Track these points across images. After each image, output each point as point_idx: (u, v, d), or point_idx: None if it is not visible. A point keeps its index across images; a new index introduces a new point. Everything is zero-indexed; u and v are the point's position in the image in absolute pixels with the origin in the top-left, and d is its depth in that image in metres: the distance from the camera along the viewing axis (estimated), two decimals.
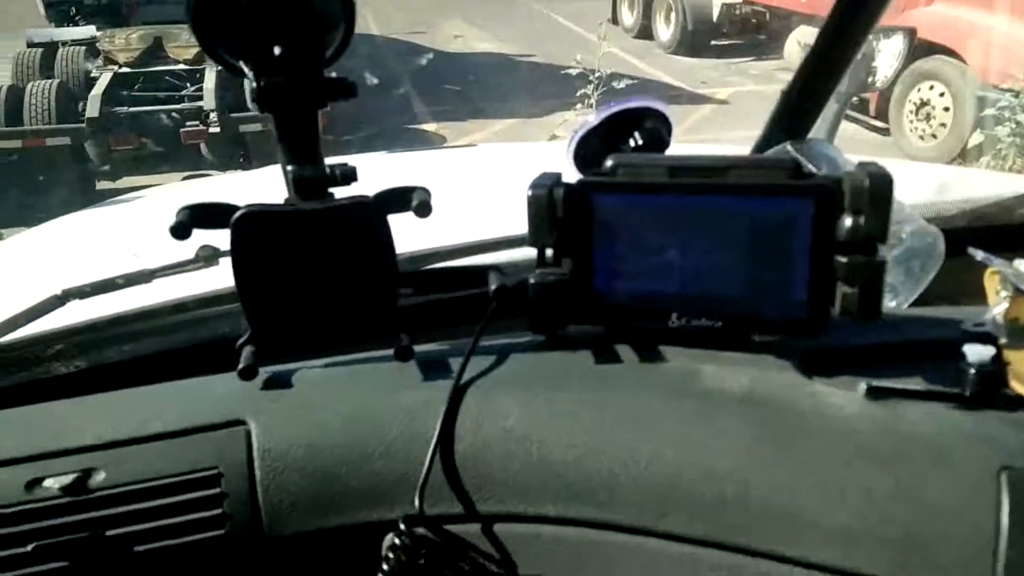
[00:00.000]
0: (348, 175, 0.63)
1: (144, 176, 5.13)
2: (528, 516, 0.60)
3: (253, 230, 0.62)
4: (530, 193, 0.64)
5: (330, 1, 0.61)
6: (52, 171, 4.87)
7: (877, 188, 0.58)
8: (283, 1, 0.59)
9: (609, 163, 0.66)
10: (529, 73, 7.83)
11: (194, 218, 0.61)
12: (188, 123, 5.06)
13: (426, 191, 0.65)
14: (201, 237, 0.66)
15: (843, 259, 0.60)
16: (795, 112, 0.90)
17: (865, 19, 0.84)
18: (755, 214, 0.63)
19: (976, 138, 5.11)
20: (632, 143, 0.74)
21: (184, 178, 4.81)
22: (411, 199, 0.64)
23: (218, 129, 5.02)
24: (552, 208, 0.64)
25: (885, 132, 5.71)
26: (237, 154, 5.20)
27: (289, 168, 0.64)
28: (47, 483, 0.58)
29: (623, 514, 0.58)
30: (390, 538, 0.60)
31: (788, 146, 0.90)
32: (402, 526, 0.59)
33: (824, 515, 0.54)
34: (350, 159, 0.66)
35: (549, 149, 2.58)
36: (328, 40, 0.63)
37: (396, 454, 0.61)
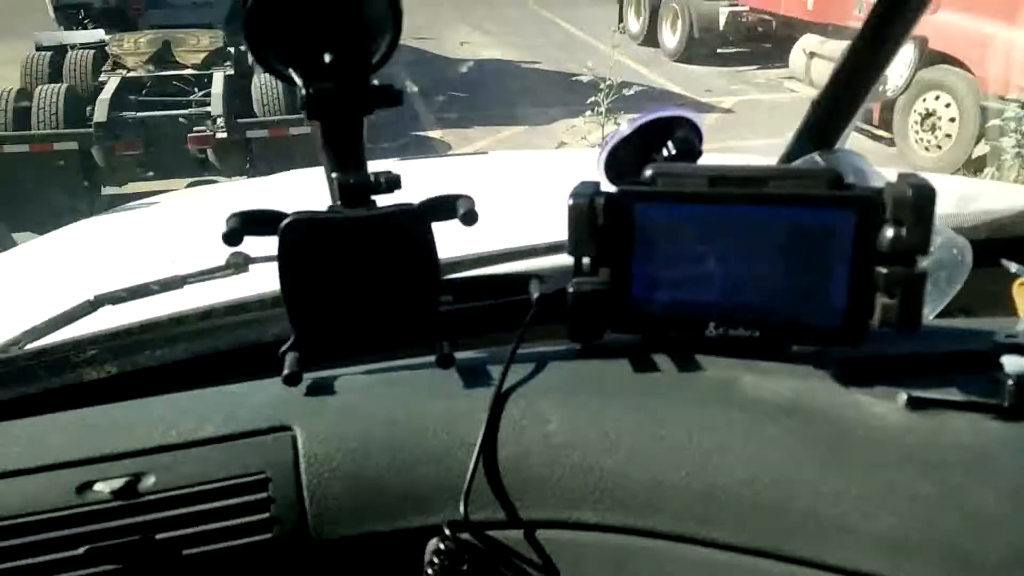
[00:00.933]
0: (393, 182, 0.64)
1: (151, 182, 5.14)
2: (570, 523, 0.61)
3: (300, 236, 0.63)
4: (571, 202, 0.65)
5: (378, 8, 0.61)
6: (59, 176, 4.87)
7: (920, 199, 0.58)
8: (335, 8, 0.59)
9: (648, 172, 0.67)
10: (535, 80, 7.86)
11: (244, 224, 0.62)
12: (195, 128, 5.07)
13: (470, 199, 0.65)
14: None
15: (883, 270, 0.61)
16: (824, 122, 0.91)
17: (900, 28, 0.84)
18: (796, 224, 0.63)
19: (980, 149, 5.13)
20: (665, 152, 0.75)
21: (189, 184, 4.82)
22: (457, 207, 0.65)
23: (225, 135, 5.02)
24: (592, 217, 0.65)
25: (888, 142, 5.72)
26: (244, 160, 5.22)
27: (335, 175, 0.64)
28: (98, 487, 0.59)
29: (665, 522, 0.59)
30: (434, 543, 0.60)
31: (816, 156, 0.90)
32: (446, 531, 0.59)
33: (868, 524, 0.54)
34: None
35: (560, 157, 2.59)
36: (375, 47, 0.64)
37: (439, 460, 0.62)
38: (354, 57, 0.62)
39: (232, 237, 0.62)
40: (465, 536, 0.60)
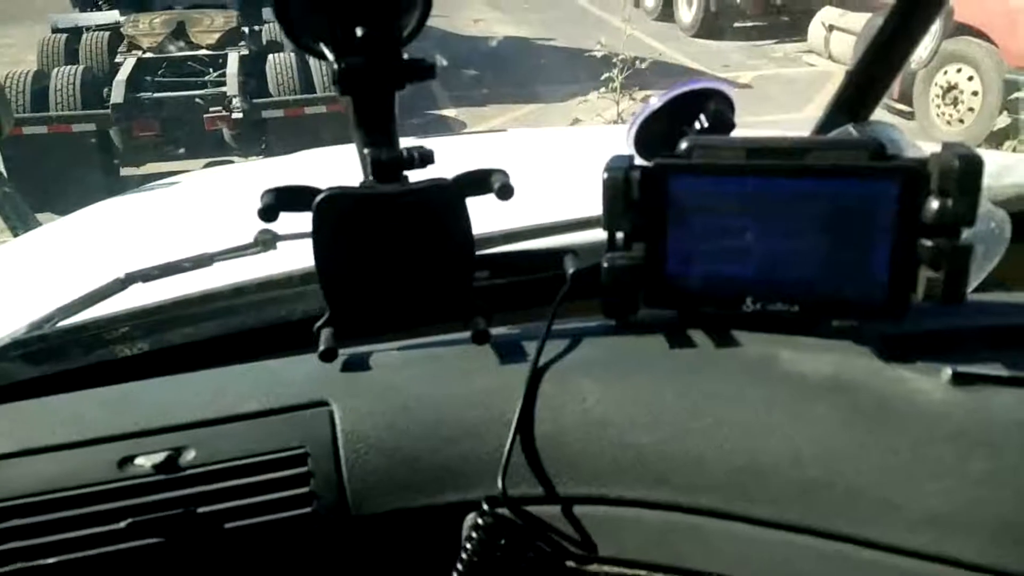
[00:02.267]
0: (426, 157, 0.64)
1: (167, 162, 5.16)
2: (608, 499, 0.60)
3: (335, 212, 0.62)
4: (605, 176, 0.64)
5: None
6: (77, 157, 4.90)
7: (967, 170, 0.57)
8: None
9: (684, 145, 0.66)
10: (550, 57, 7.79)
11: (280, 200, 0.62)
12: (211, 109, 5.08)
13: (505, 173, 0.65)
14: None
15: (927, 242, 0.59)
16: (858, 94, 0.89)
17: None
18: (837, 196, 0.62)
19: (1002, 122, 5.04)
20: (697, 126, 0.74)
21: (206, 165, 4.83)
22: (492, 182, 0.64)
23: (240, 115, 5.03)
24: (627, 191, 0.64)
25: (908, 116, 5.64)
26: (260, 140, 5.22)
27: (367, 151, 0.64)
28: (139, 461, 0.59)
29: (706, 498, 0.58)
30: (472, 518, 0.60)
31: (851, 128, 0.89)
32: (484, 506, 0.59)
33: (913, 500, 0.53)
34: None
35: (580, 133, 2.57)
36: (405, 21, 0.63)
37: (476, 436, 0.62)
38: (385, 31, 0.61)
39: (268, 213, 0.62)
40: (503, 511, 0.60)
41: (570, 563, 0.61)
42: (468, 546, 0.59)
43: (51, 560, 0.56)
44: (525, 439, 0.61)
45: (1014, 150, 4.68)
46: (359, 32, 0.60)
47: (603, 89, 5.26)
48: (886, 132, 0.89)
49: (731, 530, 0.58)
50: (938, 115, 5.49)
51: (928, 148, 0.68)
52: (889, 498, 0.54)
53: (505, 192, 0.64)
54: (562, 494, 0.61)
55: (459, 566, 0.59)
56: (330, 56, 0.61)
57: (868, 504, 0.54)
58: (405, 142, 0.66)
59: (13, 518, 0.57)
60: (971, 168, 0.57)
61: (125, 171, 5.32)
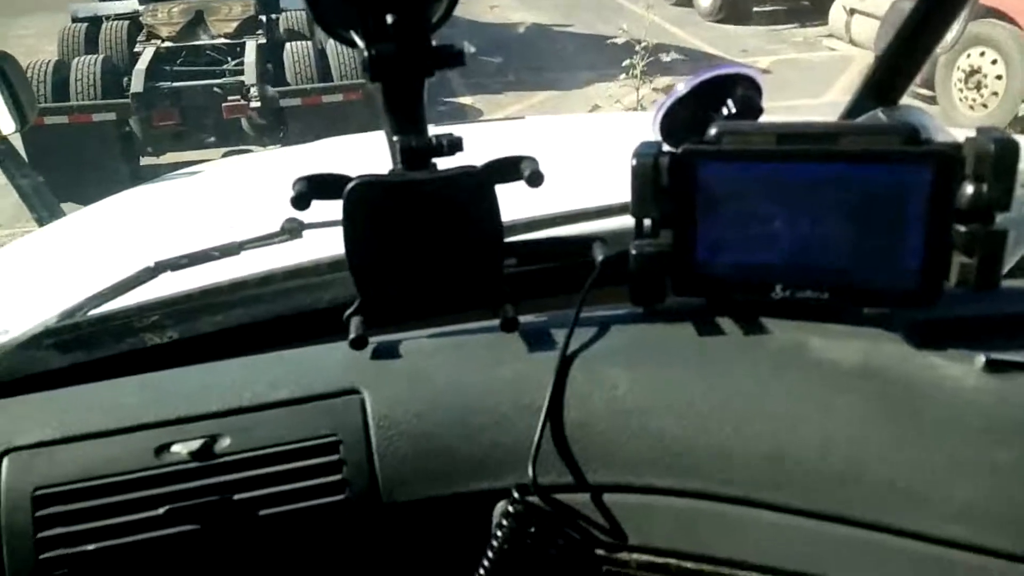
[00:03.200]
0: (455, 145, 0.63)
1: (187, 151, 5.18)
2: (638, 487, 0.60)
3: (366, 200, 0.63)
4: (634, 162, 0.64)
5: None
6: (98, 146, 4.93)
7: (1003, 154, 0.56)
8: None
9: (713, 131, 0.65)
10: (566, 43, 7.74)
11: (312, 188, 0.62)
12: (229, 98, 5.09)
13: (534, 160, 0.65)
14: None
15: (961, 228, 0.59)
16: (887, 78, 0.88)
17: None
18: (869, 181, 0.61)
19: None
20: (725, 111, 0.73)
21: (225, 154, 4.85)
22: (522, 169, 0.64)
23: (259, 104, 5.04)
24: (656, 177, 0.63)
25: (931, 100, 5.56)
26: (278, 129, 5.23)
27: (396, 138, 0.64)
28: (175, 448, 0.60)
29: (735, 486, 0.58)
30: (502, 506, 0.60)
31: (880, 112, 0.88)
32: (515, 494, 0.60)
33: (945, 490, 0.53)
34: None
35: (600, 121, 2.56)
36: (434, 8, 0.63)
37: (506, 424, 0.62)
38: (415, 18, 0.61)
39: (300, 200, 0.62)
40: (533, 499, 0.60)
41: (599, 551, 0.61)
42: (498, 534, 0.60)
43: (91, 547, 0.57)
44: (555, 427, 0.61)
45: None
46: (389, 19, 0.60)
47: (623, 76, 5.23)
48: (917, 117, 0.88)
49: (760, 518, 0.58)
50: (961, 100, 5.40)
51: (956, 133, 0.67)
52: (919, 488, 0.54)
53: (535, 179, 0.64)
54: (591, 482, 0.61)
55: (489, 553, 0.59)
56: (360, 43, 0.62)
57: (897, 493, 0.54)
58: (432, 130, 0.66)
59: (54, 505, 0.58)
60: (1007, 152, 0.56)
61: (145, 160, 5.36)
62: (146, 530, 0.58)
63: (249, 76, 5.11)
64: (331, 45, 5.39)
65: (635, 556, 0.61)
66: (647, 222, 0.66)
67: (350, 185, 0.62)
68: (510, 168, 0.65)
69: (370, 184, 0.63)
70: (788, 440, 0.57)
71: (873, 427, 0.56)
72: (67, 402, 0.67)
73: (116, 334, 0.85)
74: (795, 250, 0.64)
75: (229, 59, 5.45)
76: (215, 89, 5.16)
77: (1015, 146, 0.57)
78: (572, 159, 1.33)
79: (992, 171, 0.57)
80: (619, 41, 5.31)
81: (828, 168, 0.62)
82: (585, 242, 0.71)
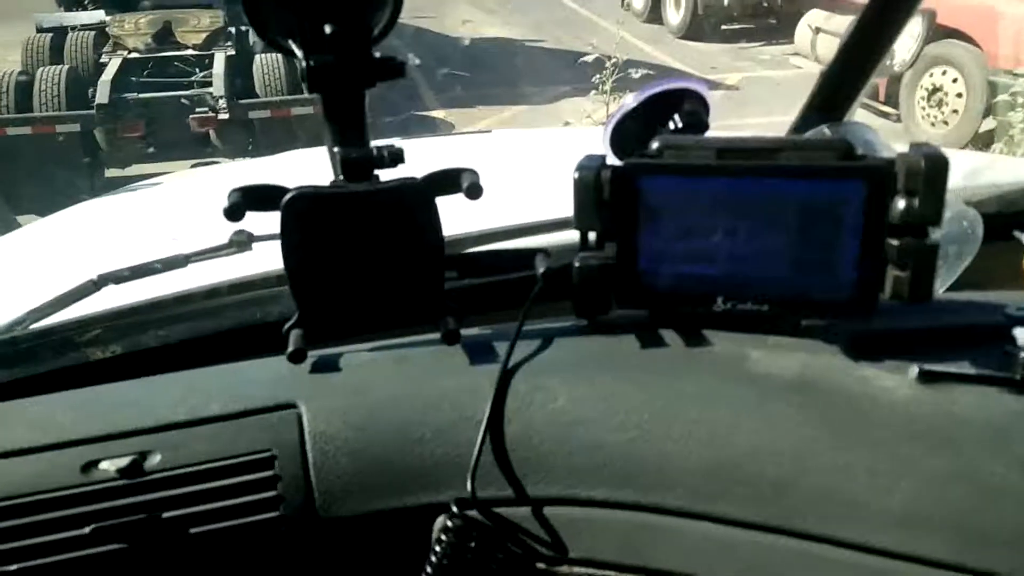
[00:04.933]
0: (396, 156, 0.63)
1: (153, 163, 5.12)
2: (579, 500, 0.60)
3: (303, 212, 0.62)
4: (576, 175, 0.64)
5: None
6: (62, 158, 4.86)
7: (933, 169, 0.57)
8: None
9: (655, 145, 0.66)
10: (538, 58, 7.79)
11: (246, 200, 0.61)
12: (197, 110, 5.05)
13: (475, 172, 0.65)
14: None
15: (895, 241, 0.60)
16: (833, 94, 0.89)
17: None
18: (806, 196, 0.62)
19: (988, 124, 5.08)
20: (672, 126, 0.74)
21: (193, 166, 4.80)
22: (461, 181, 0.64)
23: (227, 116, 5.00)
24: (599, 190, 0.64)
25: (895, 118, 5.67)
26: (246, 141, 5.19)
27: (337, 149, 0.64)
28: (103, 465, 0.59)
29: (674, 498, 0.58)
30: (441, 521, 0.60)
31: (825, 128, 0.89)
32: (454, 508, 0.59)
33: (879, 499, 0.54)
34: None
35: (565, 135, 2.57)
36: (376, 19, 0.63)
37: (445, 437, 0.61)
38: (355, 28, 0.61)
39: (234, 212, 0.61)
40: (473, 513, 0.60)
41: (540, 565, 0.61)
42: (438, 548, 0.59)
43: (12, 567, 0.55)
44: (495, 440, 0.61)
45: (1000, 152, 4.71)
46: (328, 29, 0.60)
47: (593, 92, 5.27)
48: (860, 133, 0.89)
49: (700, 530, 0.58)
50: (923, 117, 5.52)
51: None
52: (856, 497, 0.54)
53: (474, 191, 0.64)
54: (532, 495, 0.61)
55: (428, 568, 0.59)
56: (299, 53, 0.61)
57: (835, 503, 0.54)
58: (386, 142, 0.66)
59: None
60: (937, 168, 0.57)
61: (110, 172, 5.28)
62: (71, 549, 0.56)
63: (217, 87, 5.07)
64: None
65: (576, 569, 0.61)
66: (591, 235, 0.66)
67: (287, 196, 0.62)
68: (450, 180, 0.65)
69: (308, 196, 0.62)
70: (725, 451, 0.58)
71: (809, 437, 0.57)
72: None
73: (57, 348, 0.83)
74: (736, 263, 0.65)
75: (197, 70, 5.40)
76: (182, 101, 5.10)
77: (944, 162, 0.58)
78: (535, 173, 1.34)
79: (923, 186, 0.58)
80: (588, 59, 5.36)
81: (766, 183, 0.63)
82: (528, 255, 0.71)
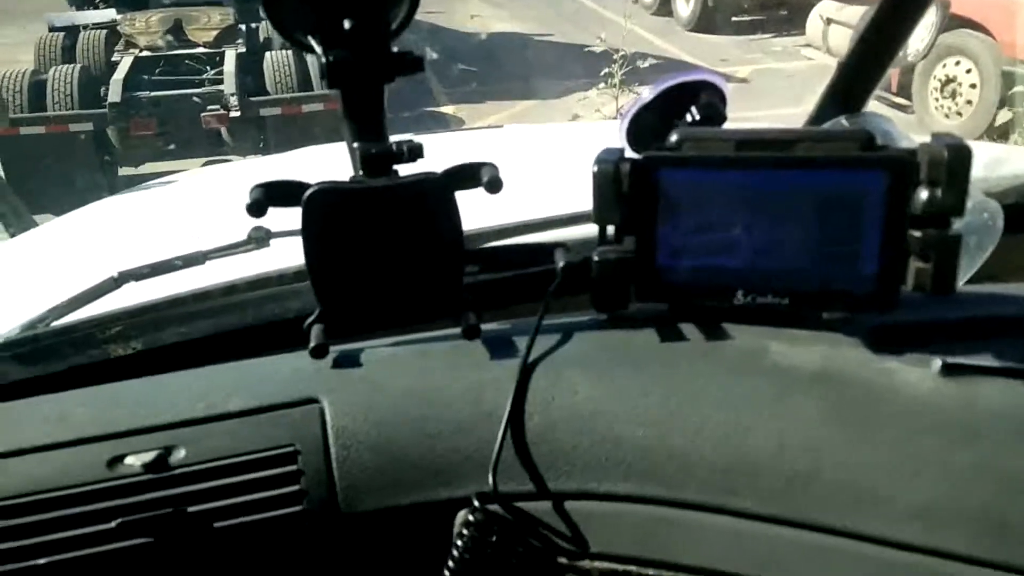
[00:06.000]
0: (415, 151, 0.63)
1: (166, 161, 5.15)
2: (599, 494, 0.60)
3: (324, 207, 0.62)
4: (595, 168, 0.64)
5: None
6: (75, 157, 4.89)
7: (956, 160, 0.57)
8: None
9: (674, 137, 0.65)
10: (547, 52, 7.77)
11: (268, 196, 0.62)
12: (209, 107, 5.07)
13: (494, 167, 0.65)
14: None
15: (917, 233, 0.59)
16: (850, 85, 0.89)
17: None
18: (826, 187, 0.62)
19: (1003, 116, 5.03)
20: (689, 118, 0.73)
21: (204, 164, 4.82)
22: (481, 175, 0.64)
23: (238, 113, 5.02)
24: (617, 184, 0.63)
25: (908, 109, 5.62)
26: (257, 139, 5.21)
27: (356, 145, 0.64)
28: (129, 460, 0.59)
29: (695, 492, 0.58)
30: (463, 515, 0.60)
31: (843, 119, 0.88)
32: (475, 503, 0.59)
33: (901, 492, 0.53)
34: None
35: (578, 129, 2.57)
36: (394, 14, 0.63)
37: (467, 432, 0.61)
38: (373, 23, 0.61)
39: (256, 208, 0.61)
40: (494, 507, 0.60)
41: (561, 559, 0.61)
42: (459, 543, 0.59)
43: (42, 561, 0.56)
44: (516, 434, 0.61)
45: (1017, 144, 4.67)
46: (347, 25, 0.60)
47: (603, 85, 5.25)
48: (878, 124, 0.88)
49: (720, 524, 0.58)
50: (937, 108, 5.47)
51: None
52: (876, 490, 0.54)
53: (494, 185, 0.64)
54: (553, 489, 0.61)
55: (450, 563, 0.59)
56: (318, 49, 0.61)
57: (856, 496, 0.54)
58: (400, 137, 0.66)
59: (4, 519, 0.57)
60: (960, 158, 0.57)
61: (123, 171, 5.31)
62: (98, 544, 0.57)
63: (228, 85, 5.09)
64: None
65: (596, 564, 0.61)
66: (610, 229, 0.66)
67: (308, 192, 0.62)
68: (470, 174, 0.65)
69: (329, 191, 0.62)
70: (745, 445, 0.58)
71: (830, 431, 0.57)
72: (19, 414, 0.65)
73: (78, 346, 0.84)
74: (755, 256, 0.65)
75: (208, 68, 5.42)
76: (194, 99, 5.12)
77: (967, 152, 0.57)
78: (549, 167, 1.33)
79: (946, 177, 0.57)
80: (597, 51, 5.34)
81: (786, 174, 0.63)
82: (547, 249, 0.71)
